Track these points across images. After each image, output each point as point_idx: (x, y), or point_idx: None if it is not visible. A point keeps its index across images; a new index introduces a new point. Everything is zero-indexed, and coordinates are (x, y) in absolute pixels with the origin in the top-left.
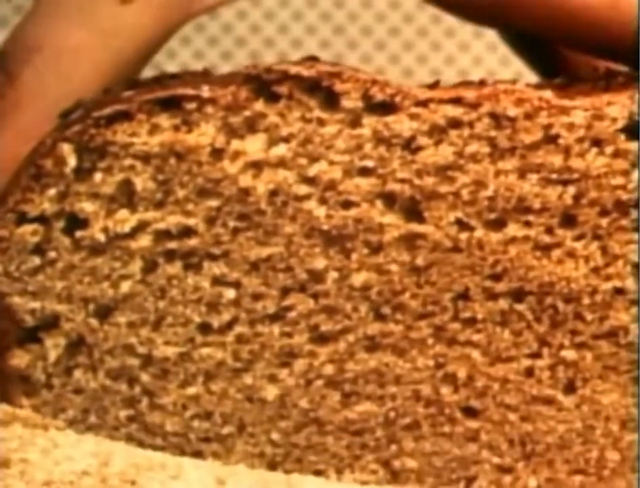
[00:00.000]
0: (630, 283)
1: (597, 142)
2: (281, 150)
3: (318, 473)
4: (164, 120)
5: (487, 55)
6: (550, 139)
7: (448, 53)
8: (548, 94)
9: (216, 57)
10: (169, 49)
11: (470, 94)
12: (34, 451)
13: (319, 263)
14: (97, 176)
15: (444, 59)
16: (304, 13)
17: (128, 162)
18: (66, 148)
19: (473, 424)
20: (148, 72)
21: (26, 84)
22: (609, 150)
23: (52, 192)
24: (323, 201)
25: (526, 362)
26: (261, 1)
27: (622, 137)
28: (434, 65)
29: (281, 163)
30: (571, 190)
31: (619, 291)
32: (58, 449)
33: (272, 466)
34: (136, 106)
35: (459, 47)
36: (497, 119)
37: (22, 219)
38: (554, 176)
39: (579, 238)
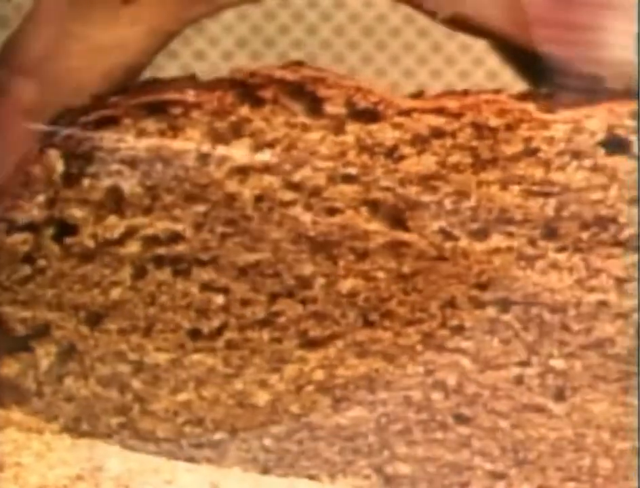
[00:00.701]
0: (613, 297)
1: (577, 155)
2: (265, 155)
3: (311, 478)
4: (150, 124)
5: (487, 55)
6: (531, 152)
7: (449, 54)
8: (530, 106)
9: (217, 57)
10: (169, 50)
11: (452, 104)
12: (29, 454)
13: (307, 269)
14: (86, 182)
15: (445, 60)
16: (305, 14)
17: (115, 167)
18: (54, 154)
19: (465, 430)
20: (148, 73)
21: (21, 92)
22: (588, 163)
23: (41, 198)
24: (308, 207)
25: (515, 370)
26: (261, 1)
27: (602, 151)
28: (434, 66)
29: (266, 169)
30: (552, 202)
31: (603, 304)
32: (52, 452)
33: (265, 471)
34: (122, 110)
35: (460, 48)
36: (479, 129)
37: (12, 228)
38: (535, 188)
39: (561, 250)
